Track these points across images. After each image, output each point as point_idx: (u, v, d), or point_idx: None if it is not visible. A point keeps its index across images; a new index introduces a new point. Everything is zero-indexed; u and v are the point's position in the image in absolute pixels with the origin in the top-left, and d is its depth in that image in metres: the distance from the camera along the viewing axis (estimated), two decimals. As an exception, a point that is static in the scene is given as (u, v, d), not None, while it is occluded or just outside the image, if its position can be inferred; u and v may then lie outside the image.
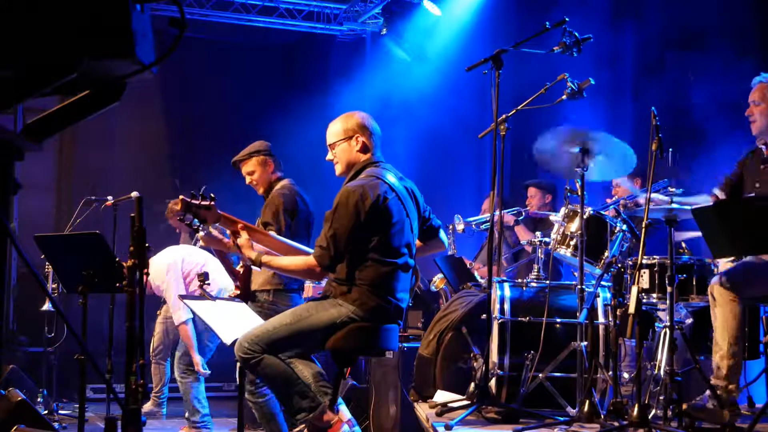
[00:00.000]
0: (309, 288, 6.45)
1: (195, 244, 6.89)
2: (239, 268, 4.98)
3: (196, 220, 3.89)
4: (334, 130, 3.97)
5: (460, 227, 6.70)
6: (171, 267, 6.28)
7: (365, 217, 3.66)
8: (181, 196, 3.89)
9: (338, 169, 3.99)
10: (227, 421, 7.03)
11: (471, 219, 6.76)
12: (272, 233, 4.81)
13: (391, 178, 3.83)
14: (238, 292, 4.82)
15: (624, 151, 4.24)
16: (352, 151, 3.94)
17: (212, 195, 3.90)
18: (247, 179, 5.23)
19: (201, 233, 4.33)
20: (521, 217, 6.66)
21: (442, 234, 4.17)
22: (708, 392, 3.97)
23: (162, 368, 7.23)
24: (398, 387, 5.08)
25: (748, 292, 4.01)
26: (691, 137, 6.06)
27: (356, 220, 3.66)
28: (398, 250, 3.76)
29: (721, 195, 4.39)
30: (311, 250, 3.96)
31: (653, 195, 4.01)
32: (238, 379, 4.44)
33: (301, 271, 3.87)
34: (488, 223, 6.44)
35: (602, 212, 4.68)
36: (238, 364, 4.14)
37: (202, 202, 3.87)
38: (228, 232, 3.99)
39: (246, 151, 5.20)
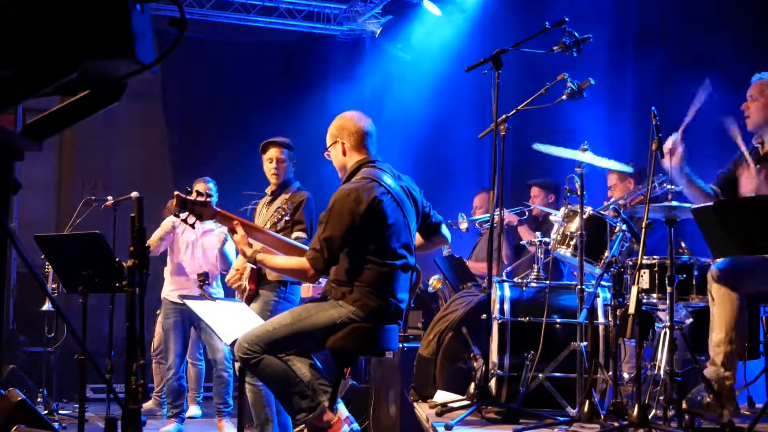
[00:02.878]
0: (309, 288, 6.47)
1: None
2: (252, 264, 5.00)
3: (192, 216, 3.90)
4: (327, 134, 4.00)
5: (463, 226, 6.72)
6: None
7: (360, 220, 3.66)
8: (176, 192, 3.89)
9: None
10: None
11: (474, 218, 6.77)
12: (301, 233, 4.84)
13: (387, 179, 3.82)
14: (253, 286, 4.84)
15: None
16: (339, 156, 3.95)
17: (208, 192, 3.90)
18: (272, 164, 5.18)
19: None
20: (524, 217, 6.66)
21: (444, 229, 4.16)
22: (703, 385, 3.97)
23: (163, 368, 7.24)
24: (398, 387, 5.08)
25: (746, 286, 4.01)
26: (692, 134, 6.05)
27: (350, 224, 3.66)
28: (396, 252, 3.75)
29: (719, 192, 4.39)
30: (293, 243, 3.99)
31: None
32: (237, 377, 4.45)
33: (294, 272, 3.86)
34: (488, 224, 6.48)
35: (602, 212, 4.68)
36: (237, 364, 4.16)
37: (198, 199, 3.87)
38: (226, 229, 3.99)
39: (282, 140, 5.21)
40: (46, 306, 6.96)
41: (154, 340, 7.10)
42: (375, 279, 3.71)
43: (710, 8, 6.50)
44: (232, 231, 3.90)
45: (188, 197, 3.87)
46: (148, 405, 7.50)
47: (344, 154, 3.93)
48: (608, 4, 7.25)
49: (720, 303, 3.96)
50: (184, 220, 3.91)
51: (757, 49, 6.10)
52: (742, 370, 4.25)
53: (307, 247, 3.95)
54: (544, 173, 6.79)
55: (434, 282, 6.58)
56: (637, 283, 3.82)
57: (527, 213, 6.67)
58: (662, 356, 3.97)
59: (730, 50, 6.10)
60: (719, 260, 4.13)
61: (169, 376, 6.43)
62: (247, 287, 4.95)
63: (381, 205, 3.69)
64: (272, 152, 5.20)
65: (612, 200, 5.52)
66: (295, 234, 4.88)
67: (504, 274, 6.23)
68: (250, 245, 3.94)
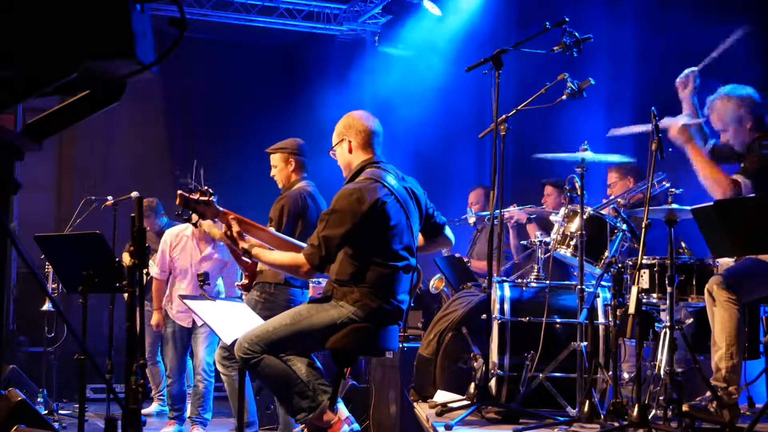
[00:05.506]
0: (309, 288, 6.46)
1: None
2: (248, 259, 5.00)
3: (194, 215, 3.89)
4: (333, 133, 3.99)
5: (471, 220, 6.74)
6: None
7: (362, 220, 3.65)
8: (179, 192, 3.87)
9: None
10: (227, 421, 7.03)
11: (483, 213, 6.78)
12: (271, 229, 4.84)
13: (390, 179, 3.82)
14: (246, 282, 4.85)
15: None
16: (344, 154, 3.94)
17: (210, 191, 3.88)
18: (271, 171, 5.40)
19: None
20: (534, 216, 6.66)
21: (448, 230, 4.15)
22: (708, 393, 3.96)
23: (157, 369, 7.28)
24: (398, 387, 5.08)
25: (747, 295, 3.99)
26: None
27: (352, 223, 3.65)
28: (398, 253, 3.75)
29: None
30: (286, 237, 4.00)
31: None
32: (232, 379, 4.46)
33: (289, 267, 3.84)
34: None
35: (602, 212, 4.68)
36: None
37: (201, 198, 3.86)
38: (223, 226, 3.98)
39: (276, 145, 5.38)
40: (46, 306, 6.96)
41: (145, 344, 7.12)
42: (376, 280, 3.71)
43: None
44: (228, 226, 3.89)
45: (191, 196, 3.86)
46: (153, 406, 7.51)
47: (350, 152, 3.92)
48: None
49: (722, 313, 3.92)
50: (187, 220, 3.90)
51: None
52: (743, 370, 4.25)
53: (305, 245, 3.97)
54: (544, 173, 6.79)
55: (435, 282, 6.58)
56: (637, 283, 3.82)
57: (536, 212, 6.65)
58: (662, 356, 3.97)
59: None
60: (722, 270, 4.12)
61: (168, 382, 6.42)
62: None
63: (384, 206, 3.68)
64: (271, 159, 5.32)
65: (612, 197, 5.53)
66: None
67: (504, 271, 6.23)
68: (245, 240, 3.92)
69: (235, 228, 3.87)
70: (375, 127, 3.95)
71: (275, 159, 5.35)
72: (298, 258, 3.75)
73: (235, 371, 4.85)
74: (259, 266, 4.99)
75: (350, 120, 3.95)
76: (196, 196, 3.85)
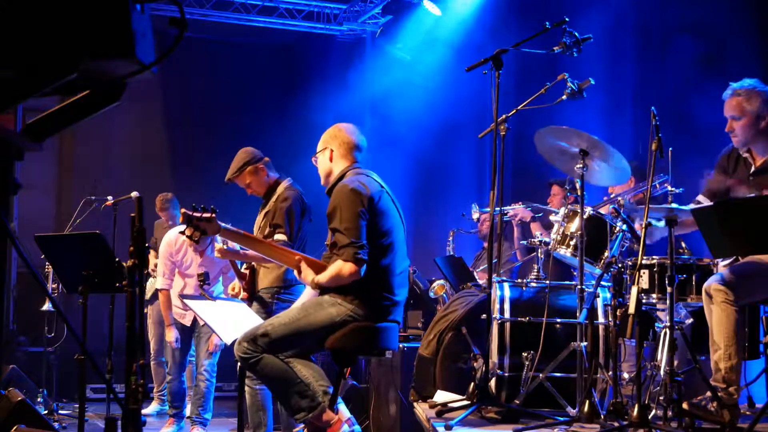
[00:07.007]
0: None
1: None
2: (244, 270, 5.02)
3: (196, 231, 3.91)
4: (319, 140, 4.05)
5: (475, 216, 6.73)
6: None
7: (364, 209, 3.70)
8: (182, 210, 3.92)
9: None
10: (227, 421, 7.04)
11: (487, 209, 6.78)
12: (280, 236, 4.83)
13: (377, 178, 3.92)
14: (246, 295, 4.86)
15: (620, 162, 4.26)
16: (325, 162, 3.99)
17: (213, 207, 3.91)
18: (247, 191, 5.27)
19: (219, 244, 4.42)
20: (539, 214, 6.65)
21: None
22: (708, 393, 3.96)
23: (161, 369, 7.27)
24: (398, 387, 5.08)
25: (746, 296, 3.98)
26: (691, 134, 6.06)
27: (360, 208, 3.68)
28: (393, 246, 3.80)
29: (705, 201, 4.35)
30: (294, 252, 3.99)
31: None
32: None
33: (337, 279, 3.71)
34: (506, 216, 6.49)
35: (602, 212, 4.68)
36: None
37: (203, 215, 3.89)
38: (222, 240, 4.01)
39: (235, 167, 5.20)
40: (46, 306, 6.96)
41: (151, 341, 7.12)
42: (374, 276, 3.72)
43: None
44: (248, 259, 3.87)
45: (194, 213, 3.89)
46: (153, 406, 7.51)
47: (331, 161, 3.98)
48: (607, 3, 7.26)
49: (720, 313, 3.91)
50: (189, 236, 3.91)
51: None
52: (743, 370, 4.24)
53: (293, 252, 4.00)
54: (545, 172, 6.79)
55: (437, 288, 6.56)
56: (637, 283, 3.81)
57: (542, 211, 6.66)
58: (662, 356, 3.97)
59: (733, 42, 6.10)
60: (721, 271, 4.11)
61: (168, 379, 6.42)
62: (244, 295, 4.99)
63: (380, 199, 3.77)
64: (238, 182, 5.22)
65: (612, 196, 5.52)
66: (275, 237, 4.88)
67: (512, 255, 6.19)
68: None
69: (304, 268, 3.82)
70: (359, 141, 4.01)
71: (245, 178, 5.15)
72: (336, 265, 3.70)
73: (259, 384, 4.76)
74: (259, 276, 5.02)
75: (336, 131, 4.03)
76: (198, 214, 3.89)
